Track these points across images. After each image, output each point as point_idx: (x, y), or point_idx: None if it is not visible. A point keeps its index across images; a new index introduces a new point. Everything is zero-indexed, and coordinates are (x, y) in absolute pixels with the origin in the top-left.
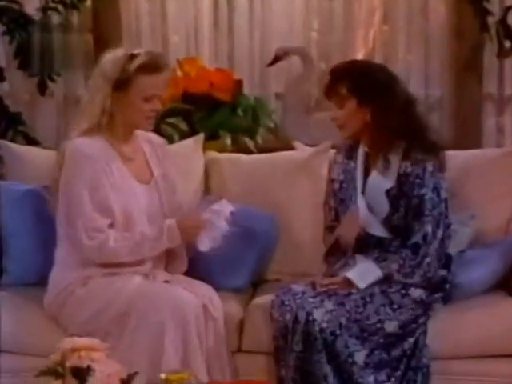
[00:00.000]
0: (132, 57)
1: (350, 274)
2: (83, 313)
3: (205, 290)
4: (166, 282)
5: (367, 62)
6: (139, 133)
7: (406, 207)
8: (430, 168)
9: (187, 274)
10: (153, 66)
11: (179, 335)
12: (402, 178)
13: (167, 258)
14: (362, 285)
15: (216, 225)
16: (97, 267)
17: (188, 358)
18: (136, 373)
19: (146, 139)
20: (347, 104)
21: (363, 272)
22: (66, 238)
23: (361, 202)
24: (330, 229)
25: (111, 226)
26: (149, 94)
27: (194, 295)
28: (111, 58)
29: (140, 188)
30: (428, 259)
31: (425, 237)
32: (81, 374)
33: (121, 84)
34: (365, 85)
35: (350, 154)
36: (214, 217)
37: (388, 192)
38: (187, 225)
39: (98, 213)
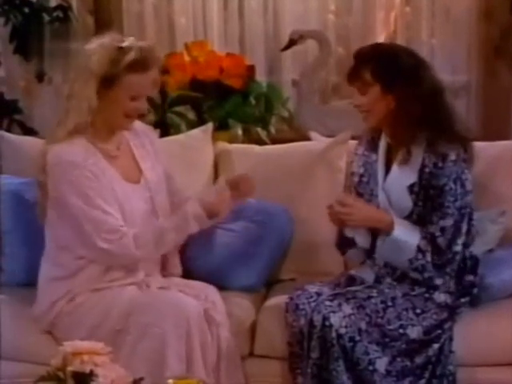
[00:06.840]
0: (121, 51)
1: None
2: (75, 333)
3: (205, 291)
4: (162, 288)
5: (394, 46)
6: None
7: (424, 199)
8: (452, 157)
9: (195, 270)
10: (143, 63)
11: (183, 345)
12: (424, 172)
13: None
14: (397, 231)
15: None
16: (85, 282)
17: (191, 368)
18: (141, 378)
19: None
20: (370, 90)
21: (408, 226)
22: (51, 250)
23: (381, 197)
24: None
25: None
26: (136, 93)
27: (194, 299)
28: (97, 49)
29: (130, 188)
30: (457, 254)
31: (443, 229)
32: (83, 379)
33: (108, 80)
34: (390, 71)
35: (372, 145)
36: None
37: (411, 188)
38: (210, 202)
39: (104, 214)
